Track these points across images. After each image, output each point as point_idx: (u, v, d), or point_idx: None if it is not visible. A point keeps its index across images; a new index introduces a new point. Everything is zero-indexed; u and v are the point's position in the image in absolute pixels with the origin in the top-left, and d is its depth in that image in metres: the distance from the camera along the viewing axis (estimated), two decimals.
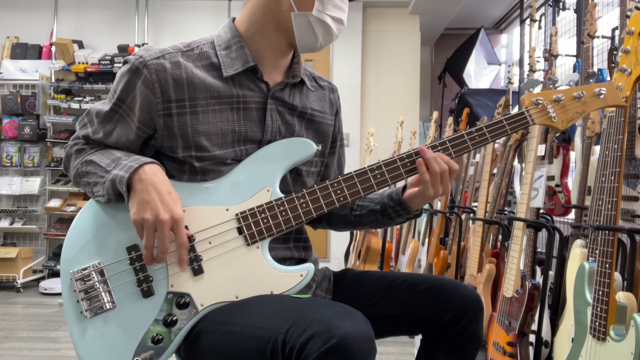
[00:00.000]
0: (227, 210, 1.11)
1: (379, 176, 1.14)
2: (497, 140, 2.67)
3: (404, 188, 1.24)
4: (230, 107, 1.15)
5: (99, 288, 1.06)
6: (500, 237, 2.78)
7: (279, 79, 1.22)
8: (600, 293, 1.40)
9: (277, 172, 1.14)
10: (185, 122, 1.12)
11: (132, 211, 1.04)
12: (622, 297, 1.43)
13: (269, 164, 1.14)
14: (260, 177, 1.13)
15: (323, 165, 1.33)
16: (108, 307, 1.06)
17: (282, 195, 1.12)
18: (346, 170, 1.18)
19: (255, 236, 1.10)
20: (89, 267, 1.07)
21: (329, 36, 1.18)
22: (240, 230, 1.10)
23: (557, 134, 2.56)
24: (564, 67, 3.97)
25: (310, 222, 1.34)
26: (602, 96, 1.19)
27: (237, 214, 1.10)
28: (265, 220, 1.11)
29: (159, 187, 1.04)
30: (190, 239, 1.08)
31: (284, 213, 1.11)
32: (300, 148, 1.16)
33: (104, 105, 1.16)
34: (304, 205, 1.12)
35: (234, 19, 1.22)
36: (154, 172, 1.06)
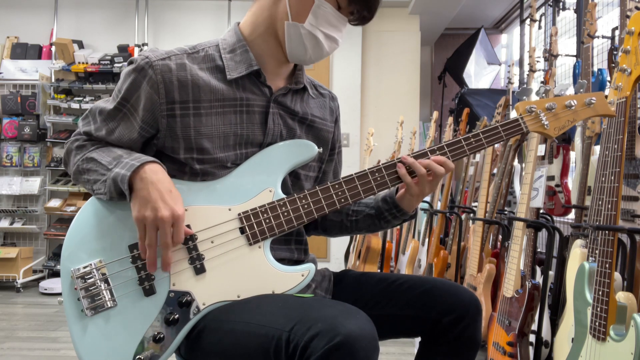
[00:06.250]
0: (229, 210, 1.11)
1: (379, 179, 1.16)
2: None
3: (397, 190, 1.25)
4: (233, 110, 1.16)
5: (100, 286, 1.06)
6: (500, 237, 2.79)
7: (282, 84, 1.23)
8: (600, 293, 1.40)
9: (279, 174, 1.15)
10: (188, 124, 1.12)
11: (133, 210, 1.05)
12: (622, 297, 1.43)
13: (271, 165, 1.15)
14: (263, 177, 1.14)
15: (321, 172, 1.34)
16: (109, 305, 1.06)
17: (284, 195, 1.13)
18: (346, 172, 1.20)
19: (257, 236, 1.10)
20: (90, 265, 1.07)
21: (319, 51, 1.17)
22: (242, 230, 1.10)
23: None
24: (564, 67, 3.97)
25: (305, 228, 1.35)
26: (592, 105, 1.22)
27: (239, 214, 1.11)
28: (267, 221, 1.11)
29: (159, 185, 1.04)
30: (193, 237, 1.08)
31: (285, 213, 1.12)
32: (302, 150, 1.17)
33: (107, 103, 1.16)
34: (305, 206, 1.13)
35: (239, 23, 1.23)
36: (154, 171, 1.06)
